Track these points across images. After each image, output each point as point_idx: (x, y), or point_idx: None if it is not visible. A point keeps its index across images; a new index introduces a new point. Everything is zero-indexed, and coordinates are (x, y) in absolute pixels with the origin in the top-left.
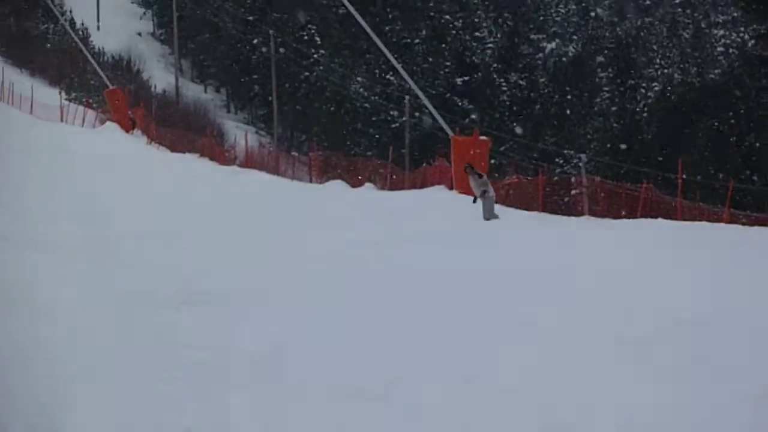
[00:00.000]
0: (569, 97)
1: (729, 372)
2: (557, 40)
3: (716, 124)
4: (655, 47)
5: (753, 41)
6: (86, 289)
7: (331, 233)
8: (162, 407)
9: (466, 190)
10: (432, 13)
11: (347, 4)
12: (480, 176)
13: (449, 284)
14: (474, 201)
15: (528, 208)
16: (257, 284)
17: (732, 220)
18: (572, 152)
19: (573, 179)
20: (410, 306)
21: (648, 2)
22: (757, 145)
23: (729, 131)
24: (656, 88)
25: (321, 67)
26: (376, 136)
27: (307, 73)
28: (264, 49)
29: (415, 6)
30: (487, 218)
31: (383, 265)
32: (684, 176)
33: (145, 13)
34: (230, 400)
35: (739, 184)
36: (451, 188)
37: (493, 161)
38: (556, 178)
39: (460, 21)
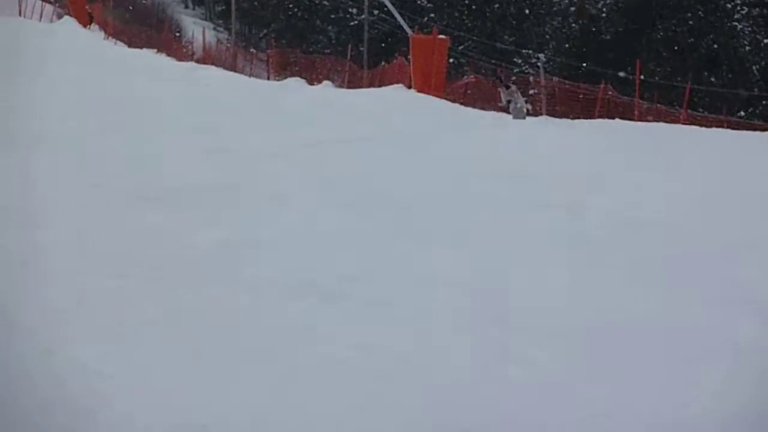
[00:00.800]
0: None
1: (682, 273)
2: None
3: (674, 25)
4: None
5: None
6: (47, 183)
7: (287, 131)
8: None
9: (424, 89)
10: None
11: None
12: (508, 87)
13: (403, 184)
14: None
15: (486, 108)
16: (211, 181)
17: (689, 121)
18: (531, 52)
19: (531, 79)
20: (363, 205)
21: None
22: (715, 46)
23: (687, 33)
24: None
25: None
26: (335, 33)
27: None
28: None
29: None
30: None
31: (338, 164)
32: (642, 77)
33: None
34: (183, 296)
35: (696, 86)
36: (409, 87)
37: (451, 60)
38: (514, 78)
39: None
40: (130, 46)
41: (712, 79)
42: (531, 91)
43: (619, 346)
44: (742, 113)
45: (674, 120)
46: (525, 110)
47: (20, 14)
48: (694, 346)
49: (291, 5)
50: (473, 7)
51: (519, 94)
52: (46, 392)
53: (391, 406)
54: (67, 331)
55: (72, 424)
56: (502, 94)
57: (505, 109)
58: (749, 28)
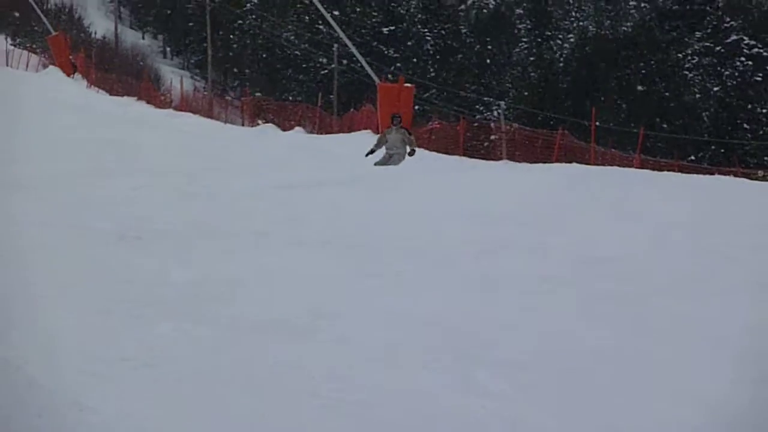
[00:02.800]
0: (489, 47)
1: (631, 306)
2: None
3: (628, 74)
4: (570, 1)
5: None
6: (32, 224)
7: (260, 174)
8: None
9: None
10: None
11: None
12: (398, 125)
13: (373, 225)
14: (368, 154)
15: (449, 153)
16: (189, 222)
17: (642, 165)
18: (492, 100)
19: (492, 125)
20: (334, 245)
21: None
22: (666, 94)
23: (640, 81)
24: (571, 40)
25: (253, 16)
26: (306, 82)
27: (240, 21)
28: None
29: None
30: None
31: (311, 206)
32: (597, 123)
33: None
34: (162, 331)
35: (648, 131)
36: (376, 132)
37: (417, 107)
38: (476, 124)
39: None
40: (111, 94)
41: (664, 126)
42: (492, 137)
43: (573, 376)
44: (693, 157)
45: (628, 164)
46: (399, 155)
47: (8, 64)
48: (644, 378)
49: (264, 55)
50: (437, 57)
51: (403, 137)
52: (27, 421)
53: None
54: (50, 363)
55: None
56: (388, 136)
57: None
58: (699, 77)
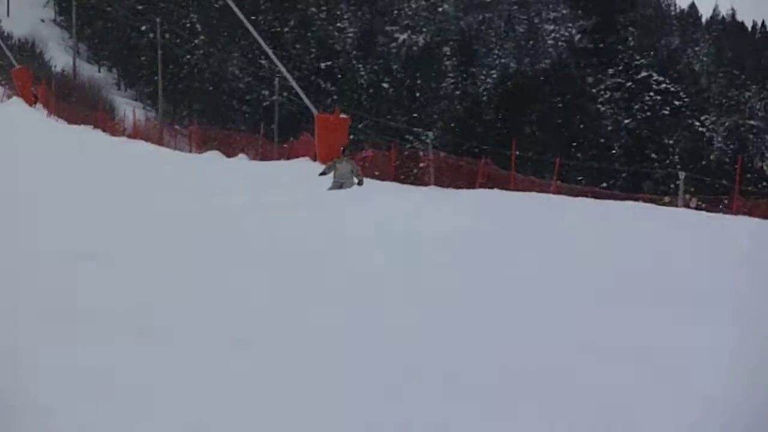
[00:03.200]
0: (418, 81)
1: (548, 324)
2: (409, 32)
3: (546, 107)
4: (494, 39)
5: (579, 35)
6: None
7: (203, 198)
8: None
9: (328, 161)
10: (299, 5)
11: None
12: (346, 158)
13: (311, 244)
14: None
15: (382, 179)
16: (141, 242)
17: (558, 191)
18: (421, 130)
19: (421, 154)
20: (275, 262)
21: (487, 0)
22: (581, 126)
23: (557, 114)
24: (494, 76)
25: (201, 51)
26: (249, 113)
27: (188, 57)
28: (151, 35)
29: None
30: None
31: (252, 227)
32: (517, 153)
33: (48, 2)
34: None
35: (564, 160)
36: (314, 160)
37: (352, 137)
38: (406, 152)
39: (324, 13)
40: (69, 122)
41: (579, 155)
42: (421, 164)
43: (498, 390)
44: (605, 184)
45: (546, 190)
46: (347, 183)
47: None
48: (566, 390)
49: (210, 88)
50: (370, 90)
51: (352, 167)
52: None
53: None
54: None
55: None
56: (337, 167)
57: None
58: (611, 110)
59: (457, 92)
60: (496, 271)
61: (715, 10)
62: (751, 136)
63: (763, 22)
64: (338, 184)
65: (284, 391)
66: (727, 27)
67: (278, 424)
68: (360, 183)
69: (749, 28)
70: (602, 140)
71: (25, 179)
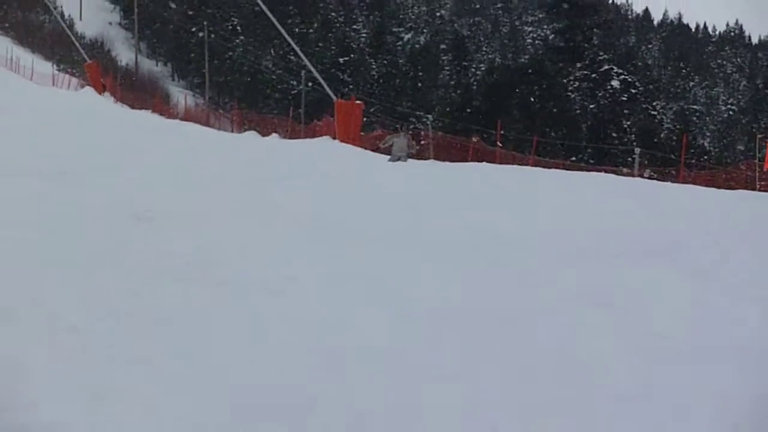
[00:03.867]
0: (420, 73)
1: (532, 273)
2: (412, 32)
3: (526, 95)
4: (482, 38)
5: (552, 35)
6: (64, 206)
7: (246, 169)
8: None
9: (345, 140)
10: (321, 10)
11: (261, 4)
12: (405, 133)
13: (327, 206)
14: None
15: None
16: (193, 207)
17: (536, 164)
18: (422, 113)
19: (422, 133)
20: (301, 223)
21: (477, 6)
22: (554, 110)
23: (535, 100)
24: (483, 69)
25: (240, 49)
26: (280, 99)
27: (230, 53)
28: (200, 35)
29: (309, 4)
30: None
31: (282, 194)
32: (502, 132)
33: (114, 8)
34: (171, 291)
35: (541, 138)
36: (334, 138)
37: (365, 119)
38: (411, 132)
39: (342, 16)
40: (132, 107)
41: (552, 134)
42: (422, 142)
43: (477, 328)
44: (574, 158)
45: (525, 163)
46: (404, 156)
47: (53, 85)
48: (534, 331)
49: (248, 79)
50: (381, 81)
51: (407, 141)
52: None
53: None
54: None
55: None
56: (395, 142)
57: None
58: (579, 97)
59: (452, 82)
60: (487, 227)
61: (665, 14)
62: (694, 118)
63: (704, 23)
64: (396, 157)
65: (318, 323)
66: (675, 28)
67: (311, 349)
68: (411, 155)
69: (693, 29)
70: (572, 122)
71: (92, 150)
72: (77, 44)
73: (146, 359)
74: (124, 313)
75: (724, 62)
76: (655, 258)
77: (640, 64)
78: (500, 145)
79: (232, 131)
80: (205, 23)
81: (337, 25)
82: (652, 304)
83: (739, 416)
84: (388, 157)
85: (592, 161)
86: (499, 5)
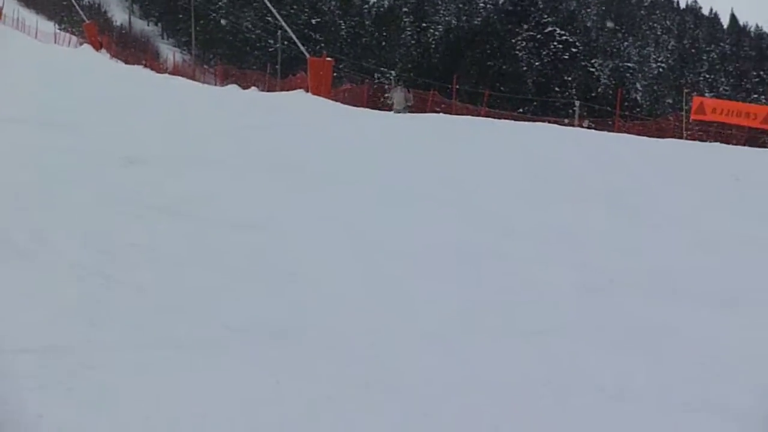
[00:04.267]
0: (384, 33)
1: (472, 212)
2: None
3: (479, 53)
4: (439, 3)
5: (502, 0)
6: (65, 152)
7: (228, 119)
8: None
9: (317, 93)
10: None
11: None
12: (404, 89)
13: (298, 152)
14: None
15: (358, 105)
16: (180, 152)
17: (487, 115)
18: (385, 70)
19: (386, 87)
20: (278, 165)
21: None
22: (504, 66)
23: (487, 57)
24: (440, 29)
25: (223, 11)
26: (259, 56)
27: (214, 14)
28: None
29: None
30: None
31: (260, 140)
32: (457, 86)
33: None
34: (161, 227)
35: (492, 92)
36: (307, 91)
37: (335, 74)
38: (375, 86)
39: None
40: (126, 63)
41: (502, 88)
42: (386, 95)
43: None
44: (521, 110)
45: (477, 114)
46: (405, 107)
47: (55, 42)
48: (484, 264)
49: (230, 38)
50: (348, 40)
51: (404, 95)
52: None
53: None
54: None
55: None
56: (395, 95)
57: (390, 107)
58: (526, 55)
59: (413, 42)
60: (435, 172)
61: None
62: (628, 75)
63: None
64: (397, 111)
65: (282, 255)
66: None
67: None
68: (409, 107)
69: None
70: (519, 77)
71: (89, 101)
72: (77, 6)
73: (137, 286)
74: (119, 245)
75: (655, 24)
76: (591, 202)
77: (579, 26)
78: (456, 98)
79: (216, 85)
80: None
81: None
82: (583, 240)
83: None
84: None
85: (537, 113)
86: None
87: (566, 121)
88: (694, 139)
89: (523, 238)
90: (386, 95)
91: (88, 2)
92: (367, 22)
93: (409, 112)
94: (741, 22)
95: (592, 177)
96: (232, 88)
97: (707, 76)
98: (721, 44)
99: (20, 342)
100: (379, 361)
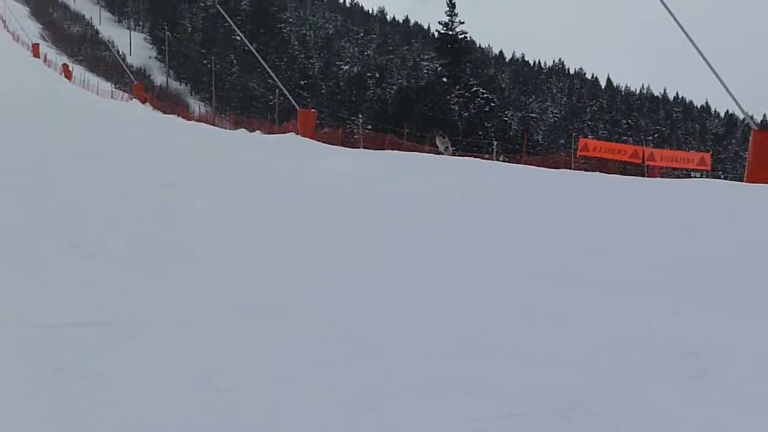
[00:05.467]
0: (354, 91)
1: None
2: (349, 65)
3: (424, 106)
4: (394, 69)
5: (440, 67)
6: (118, 177)
7: (237, 154)
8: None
9: (305, 135)
10: (289, 49)
11: (250, 46)
12: (443, 136)
13: (292, 177)
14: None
15: (334, 144)
16: (204, 178)
17: (430, 152)
18: (354, 117)
19: (355, 130)
20: (275, 187)
21: (391, 48)
22: (441, 116)
23: (429, 110)
24: (395, 88)
25: (236, 75)
26: (262, 108)
27: (230, 77)
28: (209, 65)
29: (281, 44)
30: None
31: (263, 168)
32: (407, 131)
33: (153, 47)
34: (191, 233)
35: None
36: (297, 134)
37: (317, 122)
38: (348, 129)
39: (303, 54)
40: (164, 113)
41: (440, 132)
42: (355, 137)
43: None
44: (454, 147)
45: (422, 151)
46: (448, 151)
47: (111, 97)
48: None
49: (240, 94)
50: (328, 96)
51: (445, 140)
52: None
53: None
54: None
55: None
56: (438, 141)
57: (436, 150)
58: (458, 108)
59: (375, 98)
60: (388, 189)
61: (513, 53)
62: (532, 122)
63: (539, 60)
64: (440, 152)
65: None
66: (520, 63)
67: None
68: (447, 151)
69: (532, 63)
70: (453, 124)
71: (137, 140)
72: (128, 71)
73: (173, 277)
74: (159, 247)
75: (551, 86)
76: (505, 213)
77: (497, 86)
78: (406, 139)
79: (230, 129)
80: (212, 58)
81: (300, 59)
82: (500, 239)
83: None
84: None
85: (466, 150)
86: (405, 47)
87: (486, 156)
88: (580, 170)
89: (455, 240)
90: (432, 141)
91: (136, 68)
92: (341, 83)
93: (450, 154)
94: (615, 83)
95: (505, 195)
96: (242, 132)
97: (590, 123)
98: (600, 99)
99: (81, 317)
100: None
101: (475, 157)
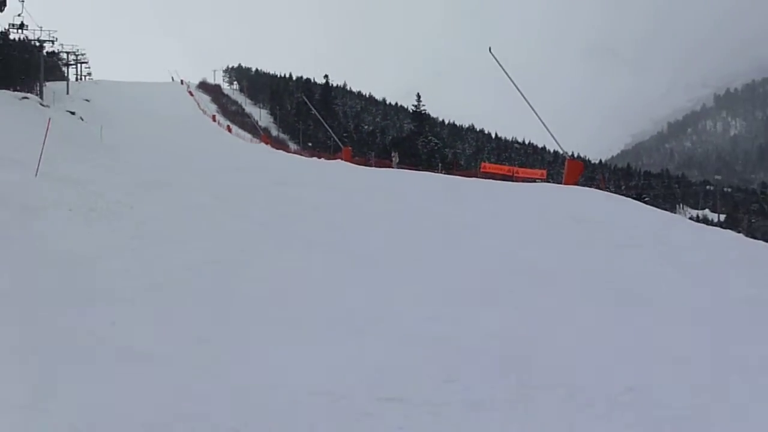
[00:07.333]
0: (370, 140)
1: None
2: (368, 126)
3: (405, 149)
4: (390, 130)
5: (413, 127)
6: (242, 179)
7: (309, 169)
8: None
9: (347, 160)
10: (338, 118)
11: (319, 116)
12: (396, 156)
13: (336, 178)
14: None
15: (360, 164)
16: (296, 180)
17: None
18: (369, 152)
19: (370, 158)
20: (330, 184)
21: (388, 117)
22: (411, 152)
23: (413, 152)
24: (389, 138)
25: (313, 130)
26: (328, 146)
27: (309, 131)
28: (299, 126)
29: (333, 116)
30: None
31: (322, 176)
32: (397, 161)
33: (271, 116)
34: (290, 210)
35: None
36: (342, 160)
37: (355, 157)
38: (368, 159)
39: (344, 121)
40: (275, 149)
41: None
42: (370, 161)
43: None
44: (419, 167)
45: (388, 166)
46: (397, 164)
47: (251, 142)
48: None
49: (313, 140)
50: (358, 142)
51: (397, 157)
52: None
53: None
54: None
55: None
56: (393, 158)
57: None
58: (422, 147)
59: (379, 142)
60: (385, 197)
61: (453, 121)
62: (459, 155)
63: (468, 124)
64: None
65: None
66: (457, 127)
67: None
68: (396, 166)
69: (463, 128)
70: (419, 156)
71: (259, 162)
72: (259, 128)
73: (282, 230)
74: (274, 215)
75: (469, 137)
76: (423, 221)
77: (441, 135)
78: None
79: (307, 157)
80: (300, 122)
81: (343, 122)
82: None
83: None
84: None
85: (427, 169)
86: (396, 116)
87: (435, 171)
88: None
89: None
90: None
91: (263, 127)
92: (364, 135)
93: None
94: (501, 136)
95: (421, 196)
96: (314, 159)
97: (487, 156)
98: (492, 144)
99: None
100: None
101: (432, 171)
